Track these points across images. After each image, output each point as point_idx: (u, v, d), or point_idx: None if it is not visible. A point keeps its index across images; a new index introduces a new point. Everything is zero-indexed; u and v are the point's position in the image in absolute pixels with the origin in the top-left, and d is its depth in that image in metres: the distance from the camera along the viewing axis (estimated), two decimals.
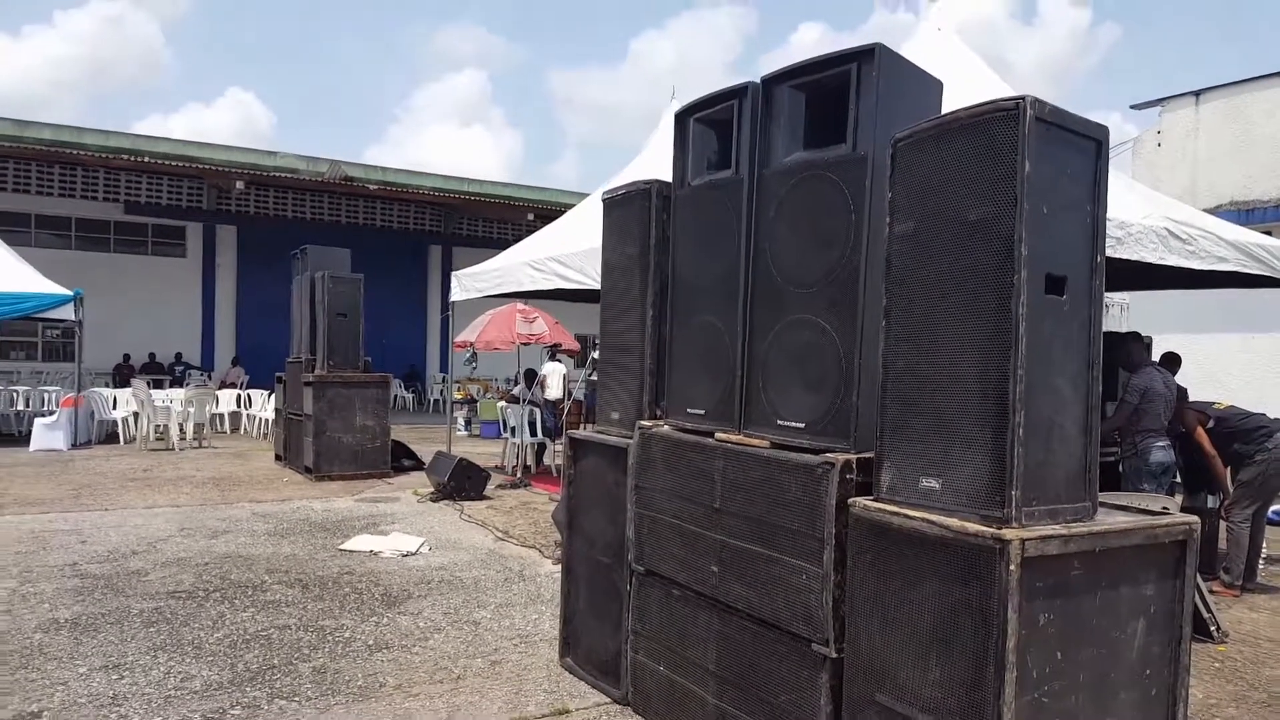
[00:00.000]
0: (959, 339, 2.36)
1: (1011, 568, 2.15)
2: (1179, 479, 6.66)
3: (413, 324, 24.39)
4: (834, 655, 2.67)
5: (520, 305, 15.45)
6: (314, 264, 10.32)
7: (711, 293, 3.33)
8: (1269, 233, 9.86)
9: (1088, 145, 2.43)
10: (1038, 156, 2.25)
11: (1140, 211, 5.27)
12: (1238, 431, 5.86)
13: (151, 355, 20.56)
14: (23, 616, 4.55)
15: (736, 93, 3.22)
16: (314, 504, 8.18)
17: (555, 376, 11.36)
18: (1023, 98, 2.25)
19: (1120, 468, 6.05)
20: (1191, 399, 6.32)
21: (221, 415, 15.58)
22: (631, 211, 3.81)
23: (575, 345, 15.25)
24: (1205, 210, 10.34)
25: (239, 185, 19.85)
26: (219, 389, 16.87)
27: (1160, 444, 5.77)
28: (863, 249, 2.73)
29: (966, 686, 2.23)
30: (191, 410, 13.11)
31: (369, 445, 9.85)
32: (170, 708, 3.50)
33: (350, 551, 6.20)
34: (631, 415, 3.76)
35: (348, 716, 3.47)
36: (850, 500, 2.61)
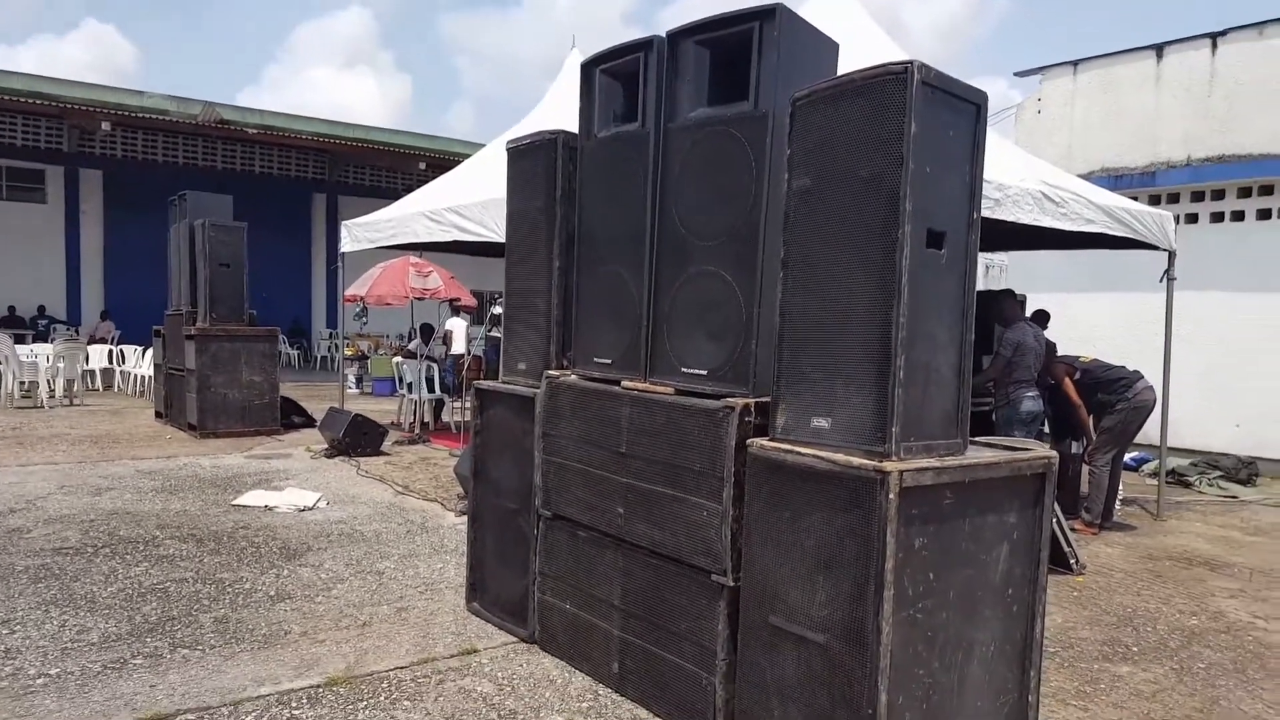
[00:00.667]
0: (848, 289, 2.54)
1: (891, 496, 2.36)
2: (1047, 427, 7.21)
3: (297, 276, 23.53)
4: (731, 584, 2.86)
5: (413, 258, 15.14)
6: (193, 211, 9.87)
7: (618, 244, 3.43)
8: (1135, 198, 10.62)
9: (968, 109, 2.63)
10: (923, 118, 2.43)
11: (1018, 174, 5.61)
12: (1101, 382, 6.39)
13: (11, 309, 19.26)
14: None
15: (642, 45, 3.29)
16: (201, 460, 7.94)
17: (459, 331, 11.26)
18: (910, 62, 2.42)
19: (994, 416, 6.50)
20: (1061, 353, 6.81)
21: (93, 372, 14.81)
22: (537, 162, 3.85)
23: (473, 301, 15.10)
24: (1080, 176, 11.03)
25: (105, 126, 18.57)
26: (88, 344, 15.99)
27: (1030, 394, 6.24)
28: (763, 203, 2.87)
29: (850, 604, 2.45)
30: (61, 366, 12.41)
31: (256, 401, 9.58)
32: (68, 659, 3.44)
33: (244, 507, 6.09)
34: (539, 365, 3.84)
35: (253, 663, 3.48)
36: (749, 441, 2.78)
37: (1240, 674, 3.82)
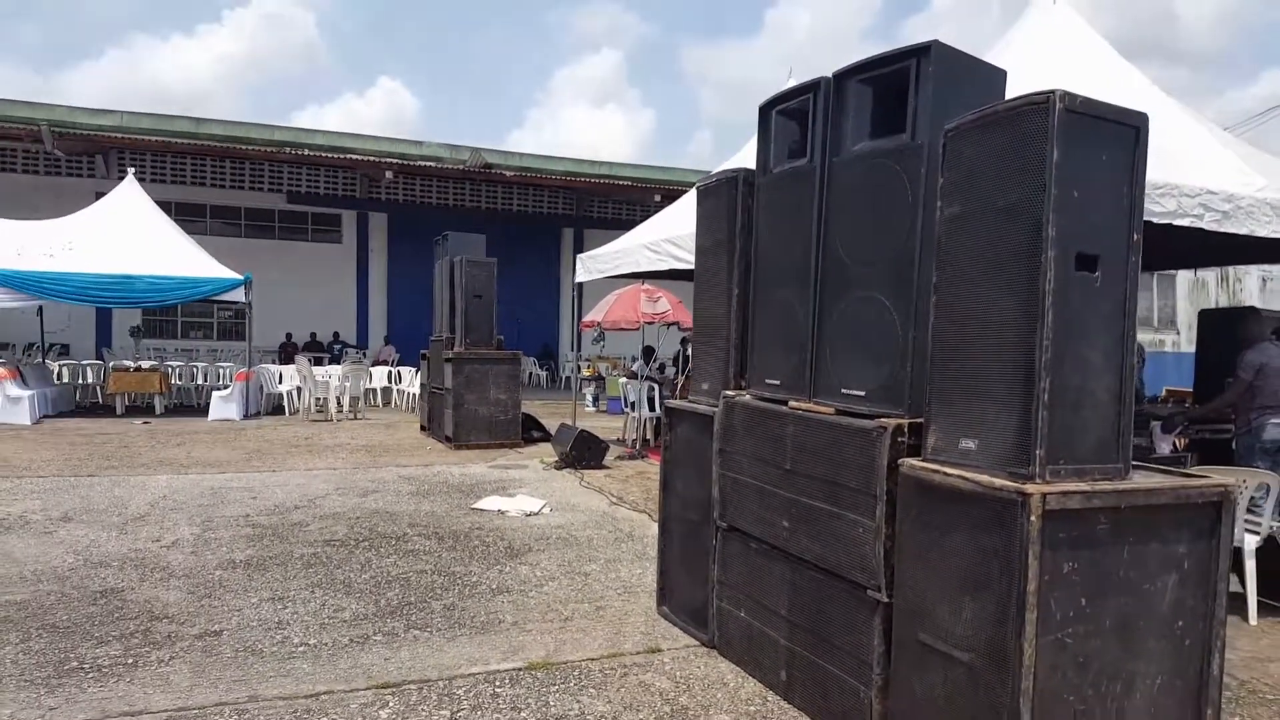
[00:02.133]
0: (996, 313, 2.59)
1: (1032, 518, 2.39)
2: None
3: (547, 305, 25.38)
4: (885, 600, 2.95)
5: (645, 285, 15.93)
6: (453, 249, 11.12)
7: (788, 273, 3.63)
8: None
9: (1125, 132, 2.60)
10: (1067, 145, 2.45)
11: (1254, 184, 5.13)
12: None
13: (312, 335, 22.29)
14: (205, 557, 5.35)
15: (811, 87, 3.49)
16: (452, 469, 8.93)
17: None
18: (1053, 92, 2.46)
19: (1234, 445, 5.92)
20: None
21: (374, 390, 16.87)
22: (720, 199, 4.14)
23: None
24: None
25: (388, 175, 21.21)
26: (372, 366, 18.24)
27: (1275, 420, 5.62)
28: (917, 231, 2.97)
29: (993, 625, 2.49)
30: (347, 385, 14.31)
31: (502, 417, 10.58)
32: (324, 632, 4.12)
33: (481, 510, 6.83)
34: (719, 386, 4.11)
35: (470, 645, 4.00)
36: (900, 460, 2.88)
37: None
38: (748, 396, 3.85)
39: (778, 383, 3.67)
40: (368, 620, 4.30)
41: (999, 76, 3.17)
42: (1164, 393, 10.01)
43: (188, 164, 21.47)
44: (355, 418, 14.14)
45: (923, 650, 2.75)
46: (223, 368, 16.21)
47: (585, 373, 18.52)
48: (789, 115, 3.70)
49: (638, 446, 10.45)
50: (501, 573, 5.16)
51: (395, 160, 20.22)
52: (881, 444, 2.96)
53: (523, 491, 7.63)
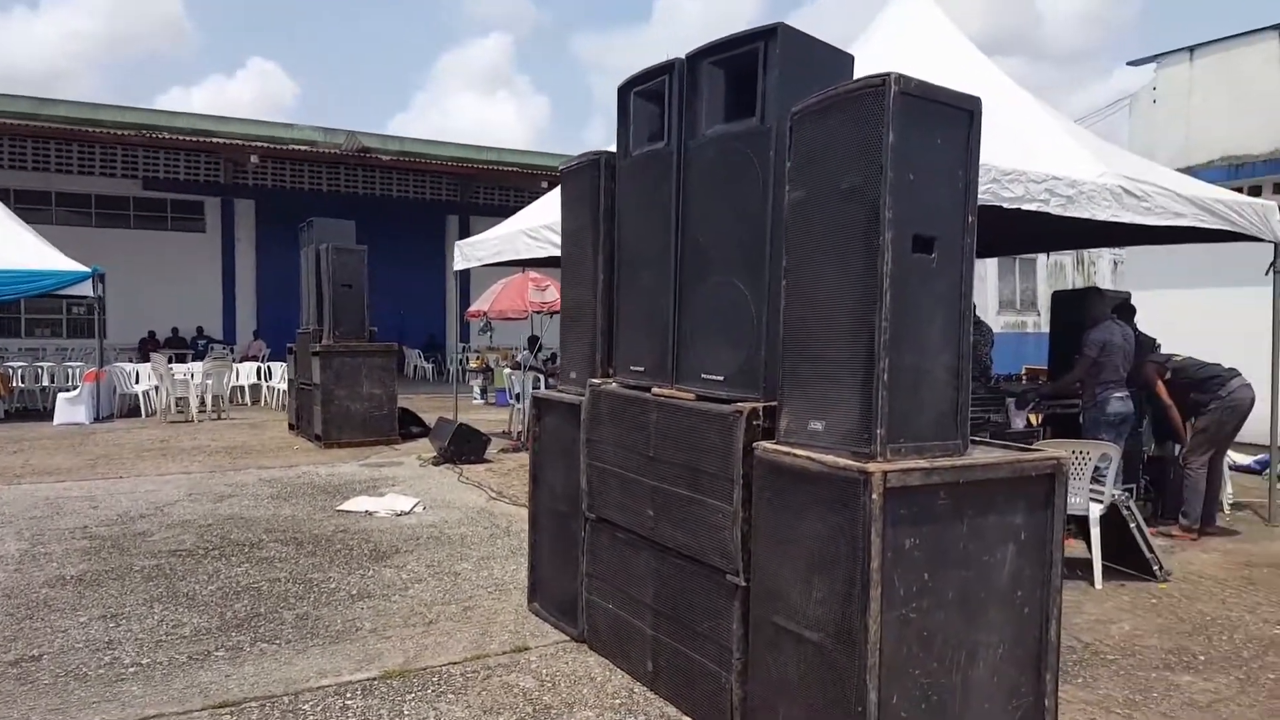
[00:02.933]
0: (837, 295, 2.61)
1: (874, 496, 2.41)
2: (1149, 428, 6.86)
3: (432, 295, 24.70)
4: (743, 584, 2.95)
5: (533, 273, 15.71)
6: (319, 236, 10.65)
7: (650, 257, 3.58)
8: (1258, 188, 9.92)
9: (960, 116, 2.66)
10: (902, 128, 2.48)
11: (1095, 170, 5.41)
12: (1194, 381, 6.05)
13: (174, 330, 21.10)
14: (31, 574, 4.93)
15: (666, 69, 3.45)
16: (319, 469, 8.57)
17: None
18: (888, 75, 2.48)
19: (1081, 419, 6.26)
20: (1181, 353, 6.45)
21: (242, 387, 16.07)
22: (583, 182, 4.06)
23: None
24: (1199, 166, 10.40)
25: (254, 159, 20.19)
26: (240, 362, 17.38)
27: (1119, 395, 5.97)
28: (768, 215, 2.97)
29: (841, 603, 2.51)
30: (209, 383, 13.56)
31: (376, 413, 10.23)
32: (160, 650, 3.85)
33: (347, 512, 6.57)
34: (586, 374, 4.04)
35: (322, 656, 3.81)
36: (755, 444, 2.88)
37: None
38: (614, 384, 3.79)
39: (642, 369, 3.63)
40: (210, 635, 4.04)
41: (846, 61, 3.20)
42: (1023, 370, 10.54)
43: (29, 147, 19.90)
44: (219, 418, 13.43)
45: (777, 632, 2.76)
46: (72, 368, 15.13)
47: (473, 364, 18.18)
48: (647, 97, 3.65)
49: (522, 439, 10.30)
50: (364, 577, 4.95)
51: (263, 144, 19.29)
52: (737, 428, 2.96)
53: (395, 490, 7.38)
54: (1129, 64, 11.51)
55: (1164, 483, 6.55)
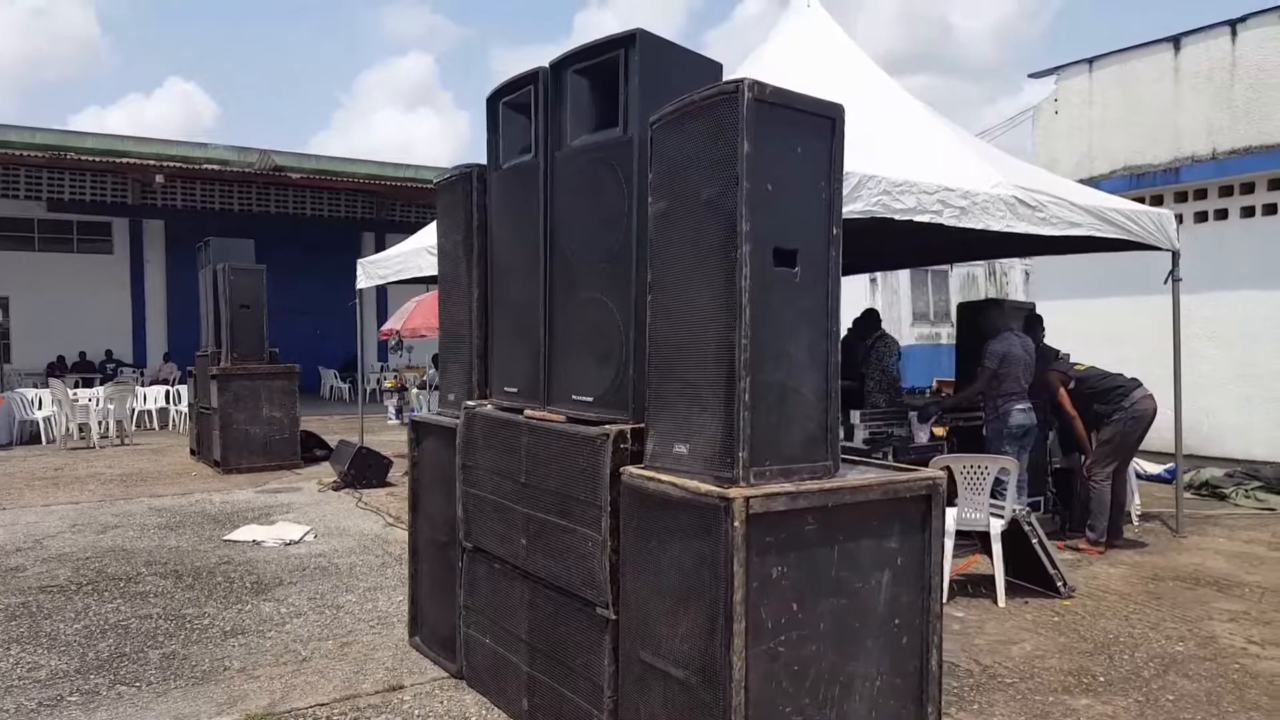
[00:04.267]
0: (699, 311, 2.48)
1: (736, 524, 2.28)
2: (1050, 440, 6.92)
3: (350, 313, 24.06)
4: (613, 617, 2.79)
5: None
6: (216, 256, 10.22)
7: (522, 274, 3.42)
8: (1160, 197, 10.19)
9: (821, 124, 2.55)
10: (759, 136, 2.36)
11: (989, 181, 5.43)
12: (1096, 392, 6.10)
13: (82, 354, 20.16)
14: None
15: (531, 78, 3.30)
16: (214, 496, 8.15)
17: None
18: (742, 81, 2.36)
19: (984, 431, 6.27)
20: (1087, 363, 6.51)
21: (150, 412, 15.39)
22: (456, 196, 3.88)
23: None
24: (1100, 176, 10.65)
25: (159, 179, 19.42)
26: (150, 385, 16.64)
27: (1020, 406, 5.99)
28: (634, 228, 2.83)
29: (705, 638, 2.36)
30: (111, 407, 12.92)
31: (277, 437, 9.81)
32: (8, 696, 3.53)
33: (234, 542, 6.22)
34: (463, 395, 3.84)
35: (183, 699, 3.53)
36: (622, 469, 2.73)
37: (1212, 706, 3.56)
38: (489, 406, 3.61)
39: (515, 390, 3.46)
40: (66, 678, 3.73)
41: (713, 69, 3.08)
42: (934, 383, 10.65)
43: None
44: (122, 443, 12.79)
45: (644, 669, 2.61)
46: None
47: (388, 384, 17.72)
48: (515, 107, 3.49)
49: None
50: (240, 612, 4.65)
51: (175, 164, 18.59)
52: (604, 452, 2.80)
53: (287, 518, 7.04)
54: (1030, 76, 11.84)
55: (1071, 495, 6.59)
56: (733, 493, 2.30)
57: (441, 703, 3.54)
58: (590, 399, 3.02)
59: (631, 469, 2.68)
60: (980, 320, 6.34)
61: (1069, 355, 7.50)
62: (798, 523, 2.43)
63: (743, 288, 2.35)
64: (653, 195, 2.65)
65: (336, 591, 5.04)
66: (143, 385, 16.75)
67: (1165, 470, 8.94)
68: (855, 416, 6.07)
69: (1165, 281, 6.62)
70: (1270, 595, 5.08)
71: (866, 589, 2.58)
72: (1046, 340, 8.15)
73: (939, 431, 7.35)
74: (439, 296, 4.10)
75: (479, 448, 3.58)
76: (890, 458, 5.80)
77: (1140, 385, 6.07)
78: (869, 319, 7.86)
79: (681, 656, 2.45)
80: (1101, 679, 3.84)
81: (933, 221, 5.01)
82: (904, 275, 15.34)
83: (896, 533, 2.64)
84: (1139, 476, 8.78)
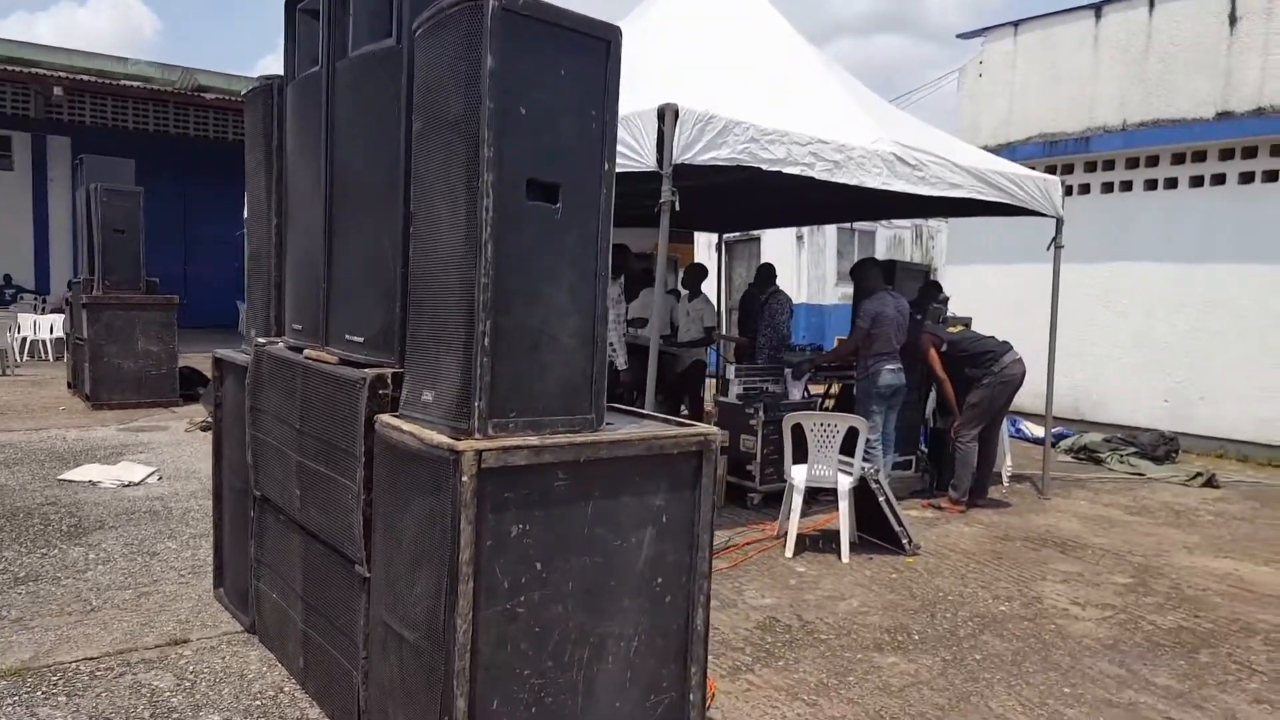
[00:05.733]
0: (447, 246, 2.25)
1: (465, 479, 2.09)
2: (929, 401, 6.90)
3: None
4: (367, 575, 2.59)
5: None
6: (91, 175, 9.59)
7: (309, 199, 3.12)
8: (1071, 165, 10.17)
9: (595, 46, 2.32)
10: (508, 51, 2.12)
11: (869, 136, 5.26)
12: (969, 355, 6.06)
13: None
14: None
15: None
16: (69, 433, 7.71)
17: None
18: None
19: (855, 390, 6.20)
20: (931, 324, 6.45)
21: (43, 342, 14.66)
22: (257, 111, 3.57)
23: None
24: (1018, 142, 10.60)
25: (57, 91, 18.25)
26: (53, 313, 15.83)
27: (890, 366, 5.91)
28: (402, 152, 2.57)
29: (434, 599, 2.18)
30: None
31: (153, 372, 9.34)
32: None
33: (69, 481, 5.86)
34: (262, 331, 3.58)
35: None
36: (377, 416, 2.51)
37: (1015, 667, 3.53)
38: (280, 344, 3.34)
39: (300, 328, 3.19)
40: None
41: None
42: (835, 341, 10.61)
43: None
44: (4, 374, 12.14)
45: (386, 631, 2.43)
46: None
47: None
48: (310, 12, 3.16)
49: None
50: (44, 557, 4.35)
51: (89, 77, 17.42)
52: (360, 397, 2.57)
53: (140, 458, 6.67)
54: (959, 37, 11.57)
55: (943, 455, 6.58)
56: (463, 445, 2.10)
57: (222, 659, 3.32)
58: (361, 339, 2.78)
59: (384, 417, 2.47)
60: (856, 278, 6.22)
61: (971, 320, 7.48)
62: (545, 478, 2.24)
63: (484, 220, 2.13)
64: (415, 113, 2.39)
65: (159, 538, 4.76)
66: (43, 313, 15.96)
67: (1051, 434, 9.06)
68: (730, 371, 5.95)
69: (1048, 248, 6.57)
70: (1109, 558, 5.12)
71: (626, 547, 2.42)
72: (953, 307, 8.13)
73: (822, 389, 7.29)
74: (246, 221, 3.80)
75: (265, 389, 3.32)
76: (761, 413, 5.71)
77: (1011, 349, 6.04)
78: (765, 273, 7.73)
79: (414, 619, 2.27)
80: (916, 637, 3.80)
81: (803, 175, 4.83)
82: (830, 235, 15.25)
83: (663, 490, 2.48)
84: (1025, 438, 8.92)
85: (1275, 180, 8.49)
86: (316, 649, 2.99)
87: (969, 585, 4.51)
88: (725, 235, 10.98)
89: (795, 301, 14.86)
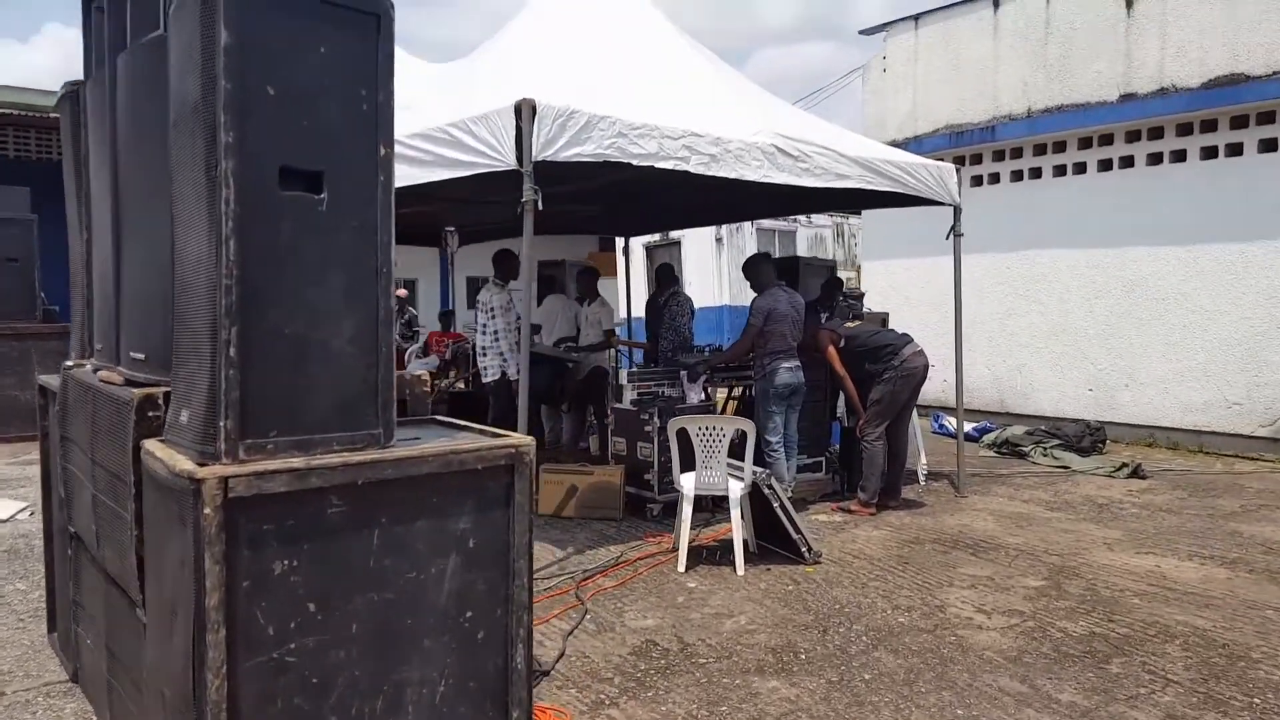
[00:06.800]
0: (196, 245, 2.00)
1: (207, 510, 1.83)
2: (840, 400, 6.73)
3: None
4: (145, 621, 2.32)
5: None
6: None
7: (103, 206, 2.86)
8: (979, 156, 10.14)
9: (361, 20, 2.08)
10: (248, 26, 1.89)
11: (749, 129, 5.09)
12: (868, 349, 5.90)
13: None
14: None
15: None
16: None
17: None
18: None
19: (753, 390, 6.02)
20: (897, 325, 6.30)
21: None
22: (66, 116, 3.29)
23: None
24: (925, 135, 10.56)
25: None
26: None
27: (787, 365, 5.74)
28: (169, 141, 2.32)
29: (185, 653, 1.92)
30: None
31: None
32: None
33: None
34: (78, 354, 3.28)
35: None
36: (142, 441, 2.24)
37: (907, 687, 3.31)
38: (88, 366, 3.05)
39: (100, 347, 2.92)
40: None
41: None
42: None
43: None
44: None
45: (142, 691, 2.15)
46: None
47: None
48: (104, 10, 2.90)
49: None
50: None
51: (21, 112, 16.77)
52: (128, 421, 2.30)
53: (17, 493, 6.29)
54: (861, 33, 11.55)
55: (854, 456, 6.41)
56: (203, 472, 1.85)
57: (35, 714, 3.02)
58: (143, 356, 2.51)
59: (147, 443, 2.20)
60: (748, 275, 6.03)
61: (888, 317, 7.35)
62: (315, 506, 1.99)
63: (225, 214, 1.88)
64: (170, 104, 2.14)
65: (11, 578, 4.42)
66: None
67: (974, 428, 8.95)
68: (623, 376, 5.72)
69: (947, 237, 6.46)
70: (1022, 558, 4.97)
71: (424, 580, 2.17)
72: (869, 303, 7.99)
73: (720, 392, 7.08)
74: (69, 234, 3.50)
75: (71, 416, 3.03)
76: (656, 418, 5.50)
77: (911, 342, 5.89)
78: (664, 274, 7.52)
79: (173, 674, 2.00)
80: (803, 657, 3.58)
81: (677, 169, 4.65)
82: (749, 234, 15.15)
83: (468, 511, 2.24)
84: (948, 434, 8.80)
85: (1183, 160, 8.50)
86: (120, 703, 2.70)
87: (869, 595, 4.31)
88: (646, 240, 10.78)
89: (717, 303, 14.77)
